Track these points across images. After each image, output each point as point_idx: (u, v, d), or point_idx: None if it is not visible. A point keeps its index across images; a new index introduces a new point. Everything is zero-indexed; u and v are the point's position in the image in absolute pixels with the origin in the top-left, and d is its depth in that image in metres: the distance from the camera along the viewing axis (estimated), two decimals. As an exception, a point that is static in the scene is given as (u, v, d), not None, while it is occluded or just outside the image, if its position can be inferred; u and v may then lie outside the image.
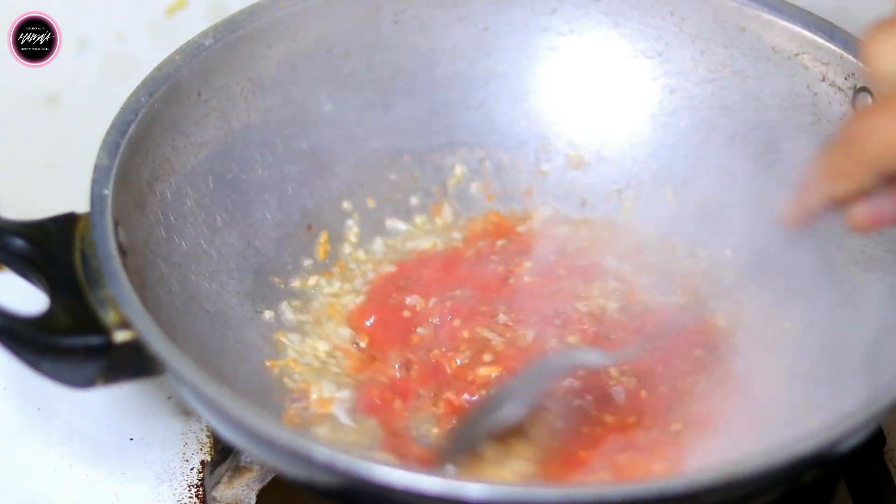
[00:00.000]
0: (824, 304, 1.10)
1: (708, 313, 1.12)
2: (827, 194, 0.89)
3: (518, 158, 1.22)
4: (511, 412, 1.01)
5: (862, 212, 0.89)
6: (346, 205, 1.19)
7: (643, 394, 1.06)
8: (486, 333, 1.10)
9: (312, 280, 1.15)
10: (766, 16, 1.15)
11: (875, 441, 1.09)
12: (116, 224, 1.00)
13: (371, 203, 1.20)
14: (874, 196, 0.88)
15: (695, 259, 1.17)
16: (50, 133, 1.26)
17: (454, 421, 1.06)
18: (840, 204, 0.89)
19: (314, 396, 1.07)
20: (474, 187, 1.22)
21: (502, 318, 1.11)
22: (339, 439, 1.04)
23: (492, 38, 1.21)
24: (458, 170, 1.22)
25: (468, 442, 1.02)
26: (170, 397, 1.14)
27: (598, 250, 1.17)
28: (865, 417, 0.93)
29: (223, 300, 1.09)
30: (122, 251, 0.99)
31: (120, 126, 1.05)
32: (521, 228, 1.19)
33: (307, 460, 0.90)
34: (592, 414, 1.05)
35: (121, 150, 1.03)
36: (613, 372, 1.07)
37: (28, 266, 0.99)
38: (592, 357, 1.05)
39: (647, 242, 1.18)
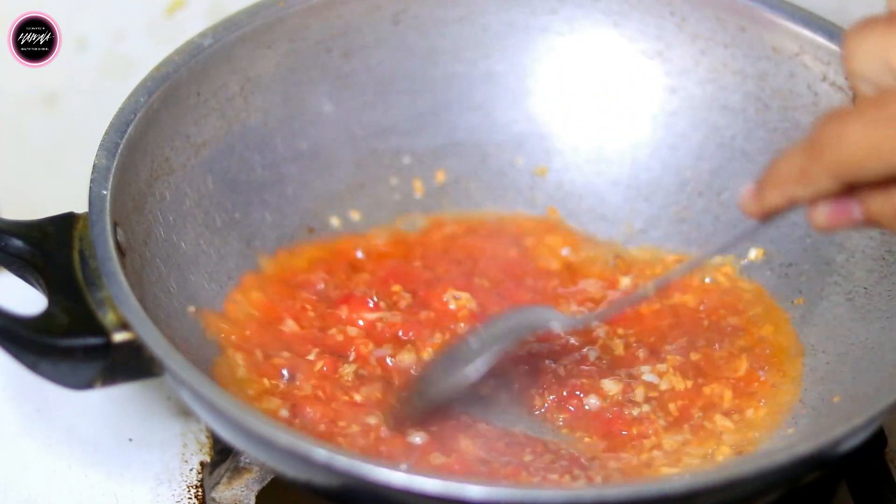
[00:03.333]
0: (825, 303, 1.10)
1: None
2: (789, 196, 0.88)
3: (518, 159, 1.22)
4: (471, 371, 1.00)
5: (823, 213, 0.87)
6: (345, 206, 1.19)
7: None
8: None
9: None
10: (767, 15, 1.15)
11: (876, 441, 1.09)
12: (115, 224, 1.00)
13: (371, 204, 1.20)
14: (836, 200, 0.86)
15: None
16: (49, 133, 1.26)
17: (409, 383, 1.05)
18: (799, 204, 0.88)
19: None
20: (474, 188, 1.22)
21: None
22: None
23: (492, 38, 1.21)
24: (458, 170, 1.22)
25: (427, 403, 1.02)
26: (169, 398, 1.14)
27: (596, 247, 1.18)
28: (866, 418, 0.93)
29: (222, 301, 1.09)
30: (121, 252, 0.99)
31: (119, 126, 1.05)
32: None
33: (306, 461, 0.90)
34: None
35: (120, 151, 1.03)
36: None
37: (26, 267, 0.99)
38: (552, 317, 1.04)
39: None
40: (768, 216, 0.90)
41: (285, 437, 0.90)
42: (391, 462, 0.98)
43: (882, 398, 0.94)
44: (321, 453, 0.89)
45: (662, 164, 1.20)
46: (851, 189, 0.86)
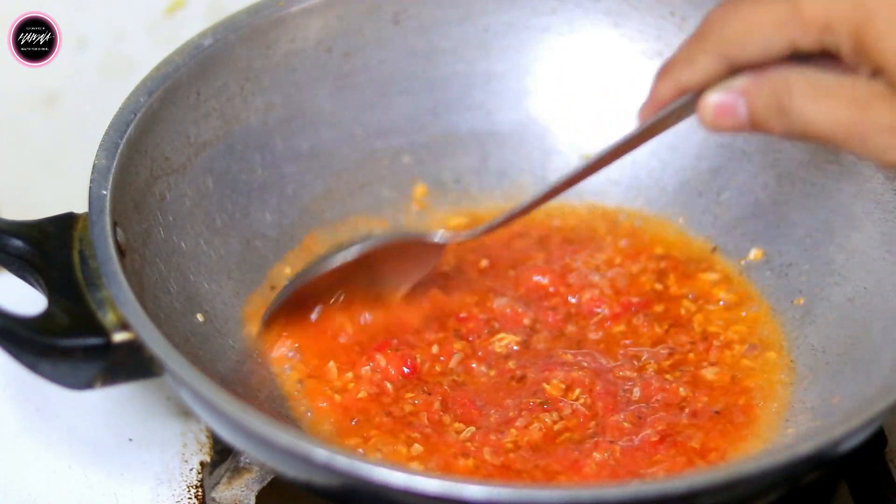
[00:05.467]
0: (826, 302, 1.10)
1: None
2: (676, 81, 0.91)
3: (518, 158, 1.22)
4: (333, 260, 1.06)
5: (710, 107, 0.91)
6: (347, 206, 1.19)
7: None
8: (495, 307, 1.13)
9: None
10: (767, 15, 1.15)
11: (876, 441, 1.09)
12: (115, 224, 1.00)
13: (371, 204, 1.20)
14: (722, 94, 0.90)
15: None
16: (49, 133, 1.26)
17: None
18: (690, 90, 0.91)
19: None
20: (474, 187, 1.22)
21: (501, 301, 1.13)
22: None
23: (492, 38, 1.21)
24: (458, 170, 1.22)
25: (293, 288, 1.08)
26: (169, 398, 1.14)
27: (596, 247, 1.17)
28: (866, 418, 0.93)
29: (222, 301, 1.09)
30: (121, 252, 0.99)
31: (119, 126, 1.05)
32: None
33: (306, 461, 0.90)
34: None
35: (119, 151, 1.03)
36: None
37: (26, 267, 0.99)
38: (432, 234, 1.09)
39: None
40: (659, 107, 0.93)
41: (285, 437, 0.90)
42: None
43: (882, 398, 0.94)
44: (321, 453, 0.89)
45: (662, 164, 1.20)
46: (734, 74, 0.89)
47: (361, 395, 1.06)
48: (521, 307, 1.12)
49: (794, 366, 1.08)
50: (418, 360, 1.08)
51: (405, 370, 1.07)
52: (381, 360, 1.07)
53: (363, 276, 1.09)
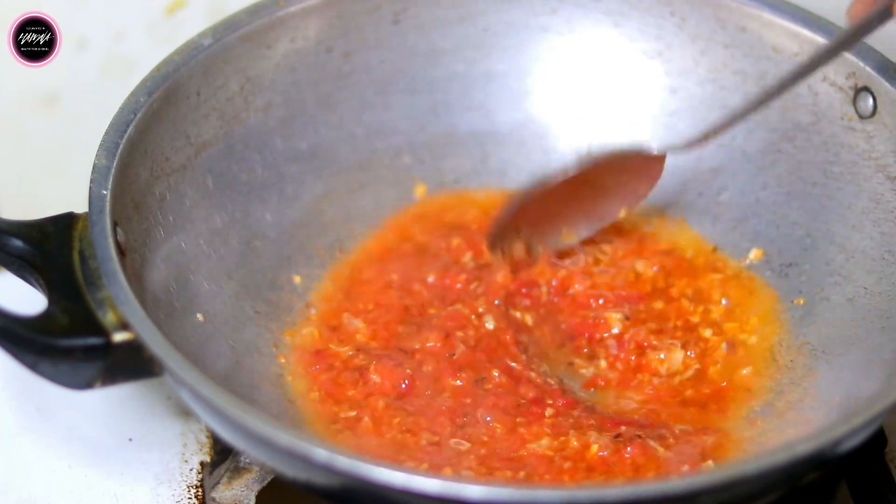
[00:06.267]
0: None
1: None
2: None
3: (518, 158, 1.22)
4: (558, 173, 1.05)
5: None
6: (347, 206, 1.19)
7: None
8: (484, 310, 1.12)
9: (312, 280, 1.15)
10: (767, 15, 1.15)
11: (876, 441, 1.09)
12: (115, 224, 1.00)
13: (371, 204, 1.20)
14: None
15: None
16: (49, 133, 1.26)
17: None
18: None
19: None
20: (474, 187, 1.21)
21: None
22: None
23: (492, 38, 1.21)
24: (458, 170, 1.22)
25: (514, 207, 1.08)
26: (169, 398, 1.14)
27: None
28: (866, 418, 0.93)
29: (222, 300, 1.09)
30: (121, 251, 0.99)
31: (119, 126, 1.05)
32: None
33: (306, 461, 0.90)
34: None
35: (120, 150, 1.03)
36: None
37: (26, 267, 0.99)
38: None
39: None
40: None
41: (285, 437, 0.90)
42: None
43: (882, 398, 0.94)
44: (321, 453, 0.89)
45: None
46: None
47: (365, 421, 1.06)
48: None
49: (794, 366, 1.08)
50: (422, 372, 1.08)
51: (402, 386, 1.07)
52: (377, 378, 1.07)
53: (583, 196, 1.12)
